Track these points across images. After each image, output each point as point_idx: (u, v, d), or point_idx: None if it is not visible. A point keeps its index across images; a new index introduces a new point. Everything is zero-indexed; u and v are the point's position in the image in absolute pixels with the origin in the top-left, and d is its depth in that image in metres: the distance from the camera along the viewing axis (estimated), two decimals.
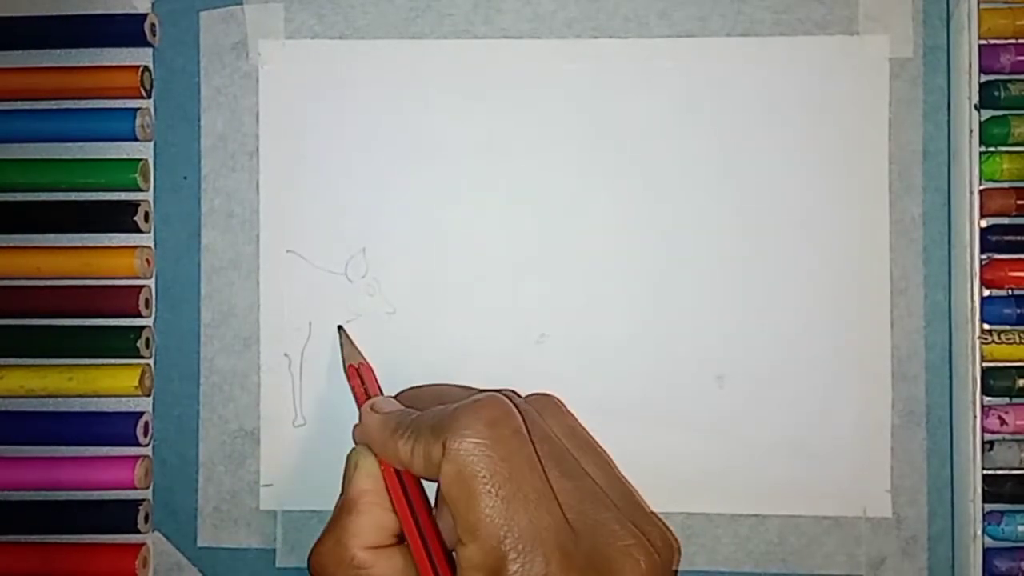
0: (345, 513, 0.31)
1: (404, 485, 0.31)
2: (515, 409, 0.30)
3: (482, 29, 0.39)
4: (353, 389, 0.35)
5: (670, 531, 0.31)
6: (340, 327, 0.38)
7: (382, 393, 0.36)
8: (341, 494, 0.32)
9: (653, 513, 0.31)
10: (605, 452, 0.33)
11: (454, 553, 0.28)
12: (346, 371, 0.36)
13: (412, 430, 0.30)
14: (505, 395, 0.30)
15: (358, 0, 0.39)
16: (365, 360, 0.37)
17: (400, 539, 0.31)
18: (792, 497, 0.38)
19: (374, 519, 0.30)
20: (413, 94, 0.39)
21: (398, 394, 0.36)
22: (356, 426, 0.34)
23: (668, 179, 0.39)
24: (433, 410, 0.30)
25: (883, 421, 0.38)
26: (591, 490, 0.30)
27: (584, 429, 0.34)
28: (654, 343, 0.39)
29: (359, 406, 0.34)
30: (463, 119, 0.39)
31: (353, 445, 0.33)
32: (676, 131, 0.39)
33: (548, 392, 0.35)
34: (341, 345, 0.37)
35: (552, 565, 0.27)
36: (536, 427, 0.31)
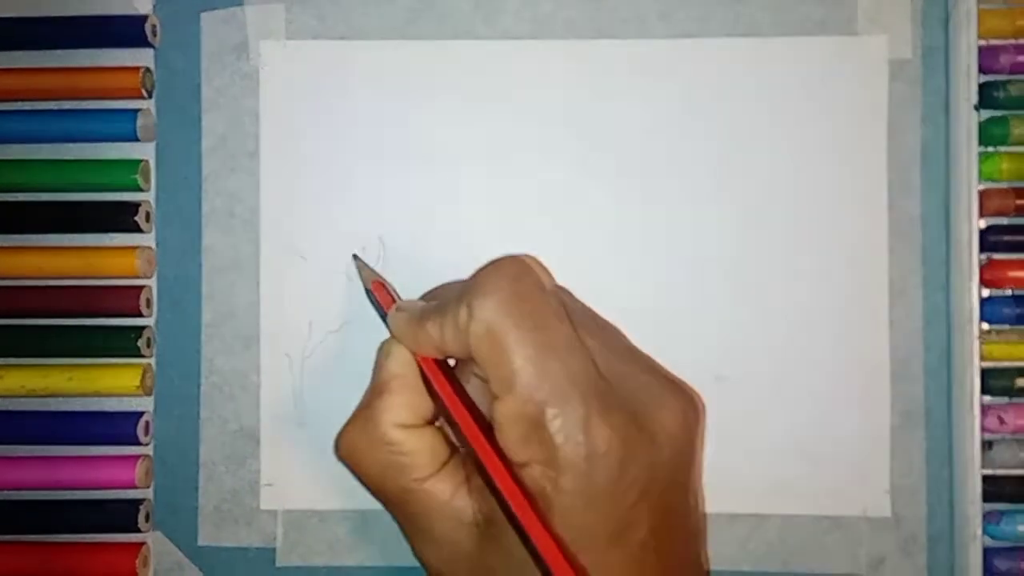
0: (376, 395, 0.30)
1: (440, 367, 0.30)
2: (532, 267, 0.30)
3: (482, 30, 0.39)
4: (379, 302, 0.34)
5: (696, 393, 0.31)
6: (355, 255, 0.38)
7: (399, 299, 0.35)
8: (371, 382, 0.31)
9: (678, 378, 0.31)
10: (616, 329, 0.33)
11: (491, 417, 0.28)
12: (369, 290, 0.35)
13: (437, 310, 0.29)
14: (514, 255, 0.30)
15: (358, 1, 0.40)
16: (383, 279, 0.36)
17: (430, 422, 0.31)
18: (792, 497, 0.38)
19: (407, 399, 0.30)
20: (413, 95, 0.39)
21: (420, 297, 0.35)
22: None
23: (667, 179, 0.39)
24: (456, 285, 0.30)
25: (882, 421, 0.38)
26: (618, 346, 0.30)
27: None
28: (653, 343, 0.39)
29: (384, 314, 0.34)
30: (463, 120, 0.39)
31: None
32: (675, 132, 0.39)
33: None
34: (359, 269, 0.37)
35: (590, 408, 0.27)
36: (557, 290, 0.31)
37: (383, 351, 0.32)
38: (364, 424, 0.30)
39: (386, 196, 0.39)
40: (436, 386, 0.30)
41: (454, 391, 0.30)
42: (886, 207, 0.39)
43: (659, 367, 0.32)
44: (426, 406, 0.30)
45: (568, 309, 0.30)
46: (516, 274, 0.29)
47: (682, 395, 0.30)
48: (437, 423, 0.31)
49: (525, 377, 0.27)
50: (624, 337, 0.33)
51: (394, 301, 0.34)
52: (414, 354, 0.31)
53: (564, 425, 0.26)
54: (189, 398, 0.40)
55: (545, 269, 0.32)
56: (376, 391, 0.31)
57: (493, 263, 0.30)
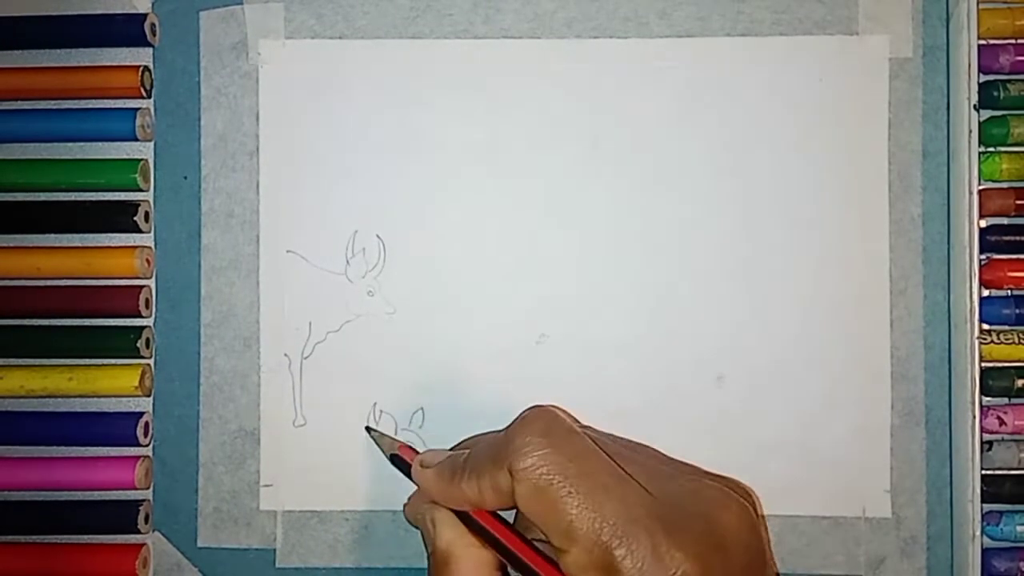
0: (443, 566, 0.30)
1: (489, 514, 0.30)
2: (559, 412, 0.30)
3: (482, 29, 0.39)
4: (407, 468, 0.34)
5: (740, 482, 0.31)
6: (368, 427, 0.37)
7: None
8: (429, 554, 0.31)
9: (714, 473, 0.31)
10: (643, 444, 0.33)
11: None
12: (394, 458, 0.35)
13: (470, 469, 0.29)
14: (541, 405, 0.30)
15: (358, 0, 0.39)
16: (400, 442, 0.36)
17: (501, 572, 0.31)
18: (791, 497, 0.38)
19: (474, 560, 0.30)
20: (413, 94, 0.39)
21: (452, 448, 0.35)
22: (407, 503, 0.33)
23: (668, 179, 0.39)
24: (484, 444, 0.30)
25: (882, 421, 0.38)
26: (656, 466, 0.30)
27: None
28: (654, 343, 0.39)
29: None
30: (463, 119, 0.39)
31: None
32: (676, 131, 0.39)
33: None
34: (376, 441, 0.36)
35: (656, 536, 0.26)
36: (585, 429, 0.31)
37: (425, 519, 0.31)
38: None
39: (386, 195, 0.39)
40: (494, 533, 0.30)
41: (513, 534, 0.30)
42: (887, 206, 0.39)
43: (700, 470, 0.31)
44: (489, 557, 0.30)
45: (600, 444, 0.30)
46: (547, 426, 0.29)
47: (734, 491, 0.29)
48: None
49: (584, 525, 0.26)
50: (657, 452, 0.32)
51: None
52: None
53: (635, 561, 0.26)
54: (188, 398, 0.40)
55: (568, 413, 0.32)
56: (442, 562, 0.30)
57: (521, 418, 0.29)
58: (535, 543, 0.30)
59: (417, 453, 0.34)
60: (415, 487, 0.33)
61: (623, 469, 0.29)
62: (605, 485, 0.27)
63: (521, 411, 0.30)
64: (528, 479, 0.27)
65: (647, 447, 0.33)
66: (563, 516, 0.27)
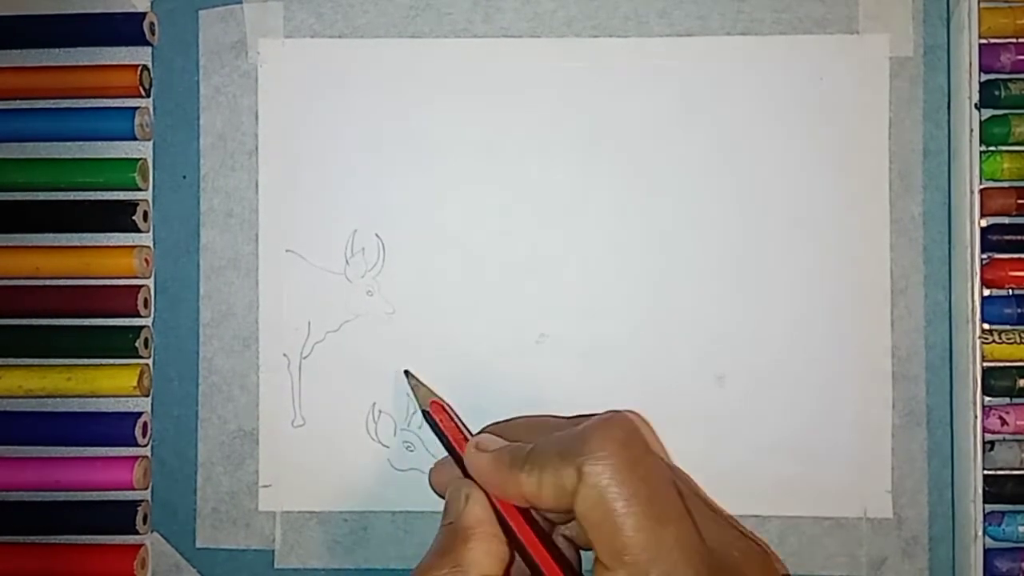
0: (461, 542, 0.29)
1: (525, 515, 0.30)
2: (639, 427, 0.29)
3: (482, 28, 0.39)
4: (440, 426, 0.34)
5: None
6: (407, 371, 0.37)
7: (466, 427, 0.34)
8: (446, 523, 0.30)
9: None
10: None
11: None
12: (427, 410, 0.34)
13: (534, 462, 0.28)
14: (621, 412, 0.30)
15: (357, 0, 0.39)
16: (438, 397, 0.35)
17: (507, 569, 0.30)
18: (792, 497, 0.38)
19: (491, 548, 0.29)
20: (412, 93, 0.39)
21: (484, 429, 0.34)
22: (436, 468, 0.33)
23: (667, 178, 0.39)
24: (553, 438, 0.29)
25: (883, 421, 0.38)
26: (710, 512, 0.29)
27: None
28: (654, 343, 0.39)
29: (449, 444, 0.33)
30: (463, 118, 0.39)
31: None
32: (675, 130, 0.39)
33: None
34: (413, 388, 0.36)
35: None
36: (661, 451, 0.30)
37: (459, 492, 0.30)
38: (451, 575, 0.29)
39: (385, 194, 0.39)
40: (518, 534, 0.29)
41: (541, 542, 0.29)
42: (887, 206, 0.39)
43: (744, 528, 0.31)
44: (506, 553, 0.29)
45: (673, 472, 0.29)
46: (627, 438, 0.28)
47: (771, 557, 0.29)
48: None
49: (637, 549, 0.26)
50: (710, 499, 0.32)
51: (460, 433, 0.33)
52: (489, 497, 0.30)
53: None
54: (187, 399, 0.39)
55: (650, 428, 0.31)
56: (460, 538, 0.29)
57: (603, 421, 0.28)
58: (558, 553, 0.29)
59: (458, 424, 0.33)
60: (443, 453, 0.32)
61: (686, 505, 0.28)
62: (668, 516, 0.27)
63: (602, 412, 0.29)
64: (597, 485, 0.26)
65: (705, 494, 0.32)
66: (619, 535, 0.26)
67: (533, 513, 0.30)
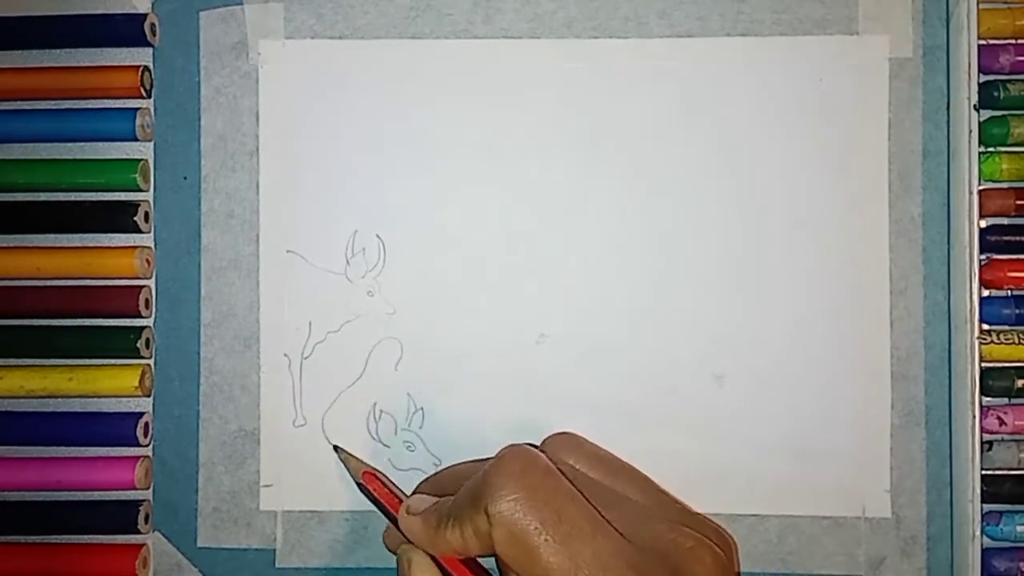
0: None
1: (468, 565, 0.31)
2: (537, 452, 0.30)
3: (482, 29, 0.39)
4: (375, 495, 0.34)
5: (722, 529, 0.31)
6: (336, 447, 0.37)
7: (399, 490, 0.35)
8: None
9: (701, 514, 0.31)
10: (636, 469, 0.33)
11: None
12: (360, 482, 0.35)
13: (453, 516, 0.29)
14: (516, 445, 0.30)
15: (358, 0, 0.39)
16: (368, 466, 0.36)
17: None
18: (791, 497, 0.38)
19: None
20: (413, 94, 0.39)
21: (417, 488, 0.35)
22: (388, 530, 0.34)
23: (667, 179, 0.39)
24: (463, 487, 0.30)
25: (882, 421, 0.38)
26: (637, 509, 0.30)
27: (609, 453, 0.33)
28: (653, 343, 0.39)
29: (386, 510, 0.34)
30: (463, 119, 0.39)
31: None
32: (675, 131, 0.39)
33: (564, 431, 0.34)
34: (344, 462, 0.36)
35: None
36: (563, 468, 0.31)
37: (403, 558, 0.31)
38: None
39: (386, 195, 0.39)
40: None
41: None
42: (887, 206, 0.39)
43: (684, 511, 0.31)
44: None
45: (582, 483, 0.30)
46: (524, 468, 0.28)
47: (713, 540, 0.29)
48: None
49: (560, 572, 0.27)
50: (643, 480, 0.32)
51: (395, 497, 0.34)
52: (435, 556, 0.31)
53: None
54: (188, 399, 0.40)
55: (573, 439, 0.32)
56: None
57: (497, 459, 0.29)
58: None
59: (391, 489, 0.34)
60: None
61: (601, 514, 0.28)
62: (582, 531, 0.27)
63: (499, 450, 0.30)
64: (504, 523, 0.27)
65: (638, 476, 0.32)
66: (539, 562, 0.27)
67: (479, 561, 0.31)
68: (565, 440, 0.33)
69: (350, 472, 0.35)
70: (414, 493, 0.34)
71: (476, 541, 0.29)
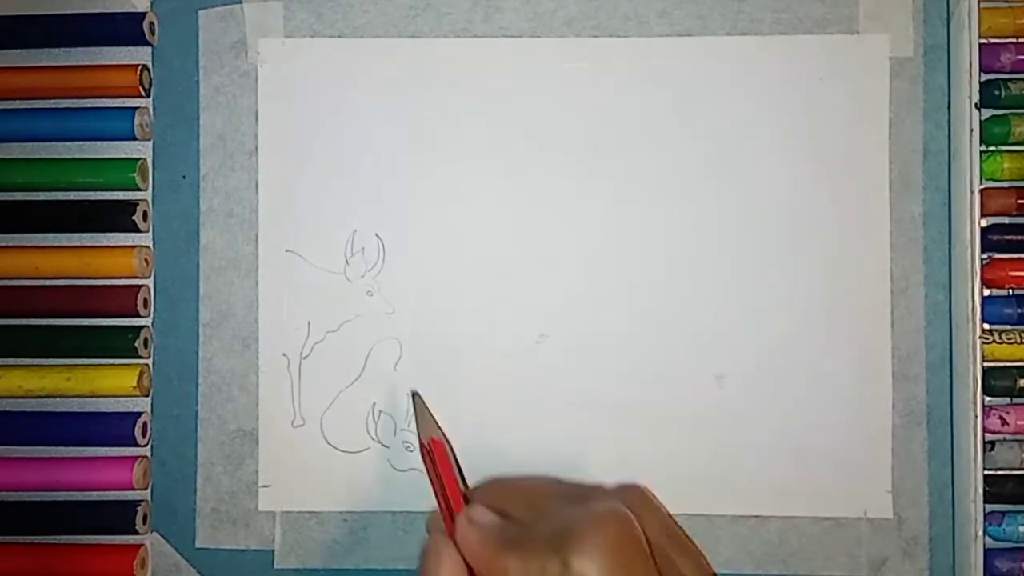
0: None
1: None
2: (634, 523, 0.28)
3: (481, 28, 0.39)
4: (437, 468, 0.32)
5: None
6: (414, 394, 0.36)
7: (457, 471, 0.33)
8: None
9: None
10: (695, 544, 0.32)
11: None
12: (425, 444, 0.33)
13: (523, 550, 0.28)
14: (619, 507, 0.29)
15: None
16: (440, 434, 0.34)
17: None
18: (792, 498, 0.38)
19: None
20: (412, 93, 0.39)
21: (477, 487, 0.33)
22: (433, 513, 0.32)
23: (667, 178, 0.39)
24: (547, 528, 0.29)
25: (884, 421, 0.38)
26: None
27: (676, 524, 0.32)
28: (654, 343, 0.39)
29: (440, 488, 0.32)
30: (463, 118, 0.39)
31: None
32: (675, 130, 0.39)
33: (635, 483, 0.33)
34: (416, 414, 0.35)
35: None
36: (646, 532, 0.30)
37: (438, 553, 0.30)
38: None
39: (385, 194, 0.39)
40: None
41: None
42: (888, 206, 0.39)
43: None
44: None
45: (656, 554, 0.29)
46: (620, 538, 0.27)
47: None
48: None
49: None
50: (700, 559, 0.31)
51: (456, 482, 0.32)
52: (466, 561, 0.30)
53: None
54: (187, 399, 0.39)
55: (650, 500, 0.31)
56: None
57: (594, 516, 0.28)
58: None
59: (446, 452, 0.32)
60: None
61: None
62: None
63: (603, 503, 0.29)
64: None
65: (701, 560, 0.31)
66: None
67: None
68: (642, 498, 0.32)
69: (418, 428, 0.34)
70: (475, 490, 0.32)
71: None
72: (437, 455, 0.32)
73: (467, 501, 0.31)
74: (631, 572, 0.27)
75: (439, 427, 0.34)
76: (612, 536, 0.27)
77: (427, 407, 0.35)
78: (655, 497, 0.32)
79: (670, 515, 0.32)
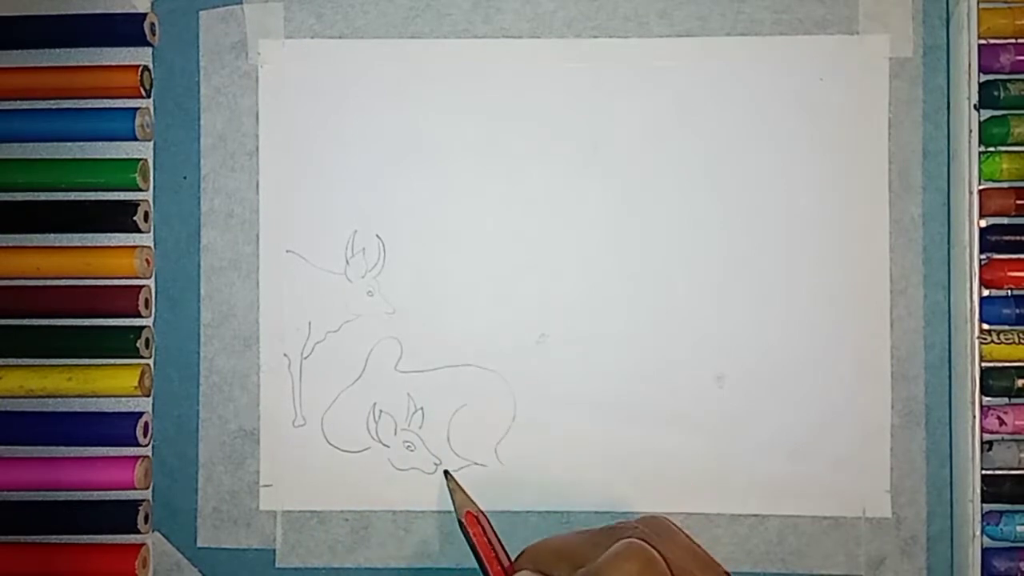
0: None
1: None
2: (655, 555, 0.29)
3: (482, 28, 0.39)
4: (474, 540, 0.34)
5: None
6: (447, 473, 0.37)
7: (501, 543, 0.35)
8: None
9: None
10: (719, 565, 0.33)
11: None
12: (462, 520, 0.35)
13: None
14: (634, 537, 0.30)
15: (358, 0, 0.39)
16: (476, 507, 0.36)
17: None
18: (791, 497, 0.38)
19: None
20: (413, 93, 0.39)
21: (517, 559, 0.33)
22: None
23: (667, 178, 0.39)
24: (565, 553, 0.30)
25: (882, 421, 0.38)
26: None
27: (699, 547, 0.33)
28: (654, 343, 0.39)
29: (479, 559, 0.33)
30: (463, 118, 0.39)
31: None
32: (675, 130, 0.39)
33: (656, 515, 0.34)
34: (451, 492, 0.36)
35: None
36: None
37: None
38: None
39: (385, 194, 0.39)
40: None
41: None
42: (887, 206, 0.39)
43: None
44: None
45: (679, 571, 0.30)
46: (639, 570, 0.28)
47: None
48: None
49: None
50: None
51: (491, 548, 0.33)
52: None
53: None
54: (188, 399, 0.39)
55: (670, 528, 0.32)
56: None
57: (615, 556, 0.29)
58: None
59: (494, 546, 0.33)
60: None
61: None
62: None
63: (619, 541, 0.29)
64: None
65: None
66: None
67: None
68: (662, 527, 0.33)
69: (454, 506, 0.35)
70: (517, 559, 0.33)
71: None
72: (472, 530, 0.34)
73: (507, 568, 0.33)
74: None
75: (472, 501, 0.36)
76: (632, 569, 0.28)
77: (460, 484, 0.36)
78: (676, 526, 0.33)
79: (694, 541, 0.33)
